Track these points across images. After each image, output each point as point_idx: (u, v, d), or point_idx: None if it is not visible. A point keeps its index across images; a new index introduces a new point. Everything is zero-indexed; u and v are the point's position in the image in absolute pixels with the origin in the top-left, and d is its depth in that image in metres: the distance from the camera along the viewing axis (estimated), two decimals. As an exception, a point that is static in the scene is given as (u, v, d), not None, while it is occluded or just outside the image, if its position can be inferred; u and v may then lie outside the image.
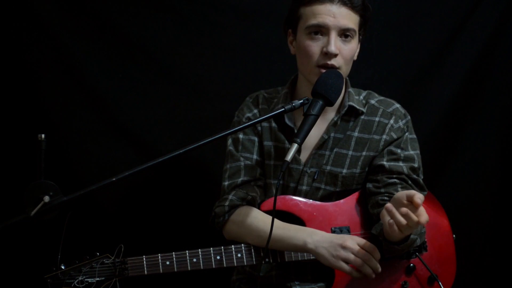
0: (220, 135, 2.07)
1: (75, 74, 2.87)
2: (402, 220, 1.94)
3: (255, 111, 2.44)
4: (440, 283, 2.30)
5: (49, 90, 2.86)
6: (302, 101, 2.08)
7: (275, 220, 2.18)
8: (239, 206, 2.31)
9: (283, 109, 2.07)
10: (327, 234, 2.20)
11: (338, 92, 2.14)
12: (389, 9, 2.96)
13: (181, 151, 1.91)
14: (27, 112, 2.85)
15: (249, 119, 2.42)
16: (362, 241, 2.17)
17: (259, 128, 2.41)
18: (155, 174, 2.90)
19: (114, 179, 1.83)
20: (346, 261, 2.15)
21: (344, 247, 2.15)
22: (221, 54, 2.95)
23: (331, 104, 2.11)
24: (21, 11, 2.80)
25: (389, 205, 1.98)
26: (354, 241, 2.15)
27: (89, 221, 2.85)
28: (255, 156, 2.39)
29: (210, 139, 2.04)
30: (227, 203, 2.31)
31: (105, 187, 1.84)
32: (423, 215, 1.94)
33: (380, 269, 2.16)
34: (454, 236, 2.40)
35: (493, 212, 3.04)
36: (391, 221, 1.98)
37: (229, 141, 2.44)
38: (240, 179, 2.35)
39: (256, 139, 2.41)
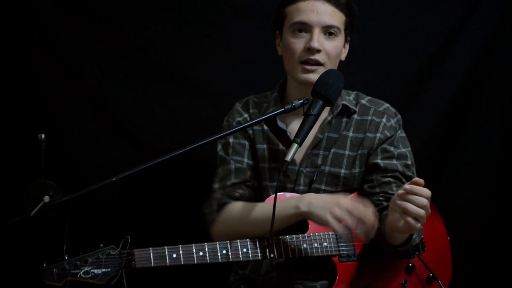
0: (220, 135, 2.09)
1: (75, 74, 2.87)
2: (419, 210, 1.93)
3: (246, 115, 2.44)
4: (439, 281, 2.31)
5: (49, 90, 2.86)
6: (302, 101, 2.09)
7: (261, 204, 2.26)
8: (227, 204, 2.32)
9: (283, 109, 2.07)
10: (318, 195, 2.21)
11: (338, 92, 2.15)
12: (389, 9, 2.96)
13: (181, 151, 1.91)
14: (27, 112, 2.85)
15: (239, 123, 2.42)
16: (355, 202, 2.13)
17: (250, 131, 2.41)
18: (155, 174, 2.90)
19: (114, 179, 1.83)
20: (340, 219, 2.10)
21: (339, 206, 2.11)
22: (221, 54, 2.95)
23: (331, 104, 2.12)
24: (21, 11, 2.80)
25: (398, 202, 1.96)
26: (347, 200, 2.12)
27: (89, 222, 2.85)
28: (246, 160, 2.39)
29: (210, 139, 2.05)
30: (215, 202, 2.32)
31: (105, 187, 1.84)
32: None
33: (372, 234, 2.12)
34: (448, 238, 2.42)
35: (493, 212, 3.04)
36: (408, 218, 1.95)
37: (219, 146, 2.44)
38: (231, 181, 2.35)
39: (246, 143, 2.41)
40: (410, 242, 2.15)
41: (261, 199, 2.39)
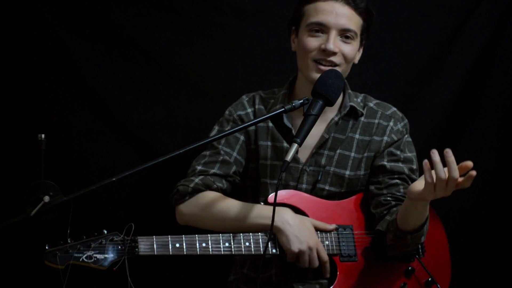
0: (220, 135, 2.10)
1: (75, 74, 2.87)
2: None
3: (249, 110, 2.44)
4: (438, 286, 2.31)
5: (49, 90, 2.86)
6: (302, 101, 2.09)
7: (236, 201, 2.28)
8: (202, 191, 2.32)
9: (283, 109, 2.07)
10: (298, 217, 2.23)
11: (338, 92, 2.15)
12: (389, 9, 2.96)
13: (181, 151, 1.91)
14: (27, 112, 2.85)
15: (240, 117, 2.43)
16: (322, 249, 2.23)
17: (253, 128, 2.40)
18: (155, 174, 2.90)
19: (114, 179, 1.84)
20: (300, 257, 2.19)
21: (310, 248, 2.19)
22: (221, 54, 2.95)
23: (331, 104, 2.12)
24: (21, 11, 2.79)
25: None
26: (315, 246, 2.21)
27: (89, 222, 2.85)
28: (235, 154, 2.39)
29: (210, 139, 2.06)
30: (192, 185, 2.32)
31: (105, 187, 1.84)
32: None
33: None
34: (448, 244, 2.43)
35: (493, 212, 3.04)
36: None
37: (213, 132, 2.44)
38: (213, 171, 2.36)
39: (242, 137, 2.41)
40: (421, 230, 2.14)
41: (257, 196, 2.40)
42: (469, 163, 1.89)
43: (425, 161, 1.89)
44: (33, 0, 2.80)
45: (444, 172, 1.88)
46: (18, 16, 2.80)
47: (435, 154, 1.87)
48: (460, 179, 1.90)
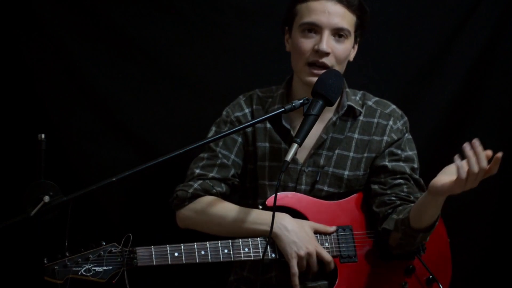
0: (220, 135, 2.10)
1: (75, 74, 2.87)
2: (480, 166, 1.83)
3: (247, 111, 2.43)
4: (439, 283, 2.31)
5: (49, 90, 2.86)
6: (302, 101, 2.09)
7: (234, 206, 2.28)
8: (201, 196, 2.32)
9: (283, 109, 2.07)
10: (294, 224, 2.22)
11: (338, 92, 2.15)
12: (389, 9, 2.96)
13: (181, 151, 1.91)
14: (27, 112, 2.85)
15: (237, 118, 2.42)
16: (323, 251, 2.23)
17: (250, 129, 2.39)
18: (155, 174, 2.90)
19: (114, 179, 1.84)
20: (298, 262, 2.18)
21: (308, 254, 2.18)
22: (221, 54, 2.95)
23: (331, 104, 2.12)
24: (21, 11, 2.80)
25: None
26: (314, 251, 2.20)
27: (89, 223, 2.85)
28: (232, 156, 2.38)
29: (210, 139, 2.07)
30: (191, 190, 2.32)
31: (105, 187, 1.84)
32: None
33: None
34: (449, 240, 2.42)
35: (493, 212, 3.04)
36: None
37: (211, 134, 2.43)
38: (211, 174, 2.35)
39: (239, 139, 2.40)
40: (433, 228, 2.13)
41: (256, 197, 2.40)
42: (489, 152, 1.85)
43: (456, 157, 1.86)
44: (33, 0, 2.80)
45: (476, 166, 1.84)
46: (18, 16, 2.80)
47: (468, 149, 1.83)
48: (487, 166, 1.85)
